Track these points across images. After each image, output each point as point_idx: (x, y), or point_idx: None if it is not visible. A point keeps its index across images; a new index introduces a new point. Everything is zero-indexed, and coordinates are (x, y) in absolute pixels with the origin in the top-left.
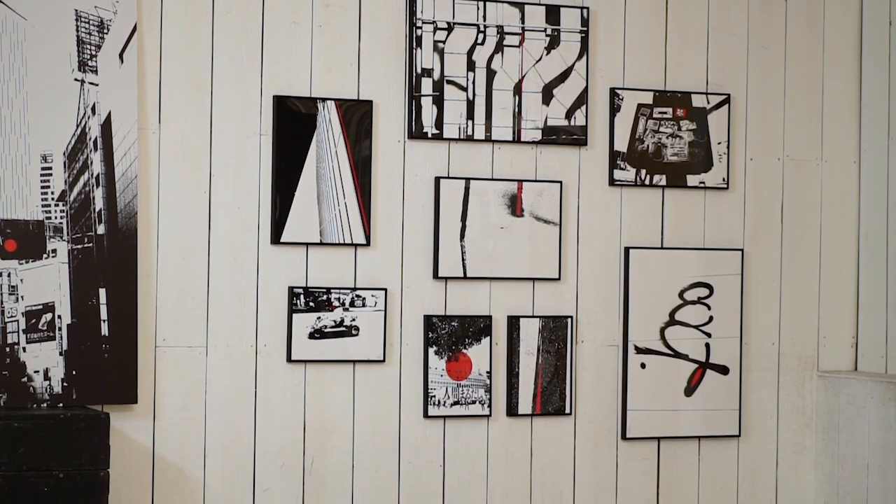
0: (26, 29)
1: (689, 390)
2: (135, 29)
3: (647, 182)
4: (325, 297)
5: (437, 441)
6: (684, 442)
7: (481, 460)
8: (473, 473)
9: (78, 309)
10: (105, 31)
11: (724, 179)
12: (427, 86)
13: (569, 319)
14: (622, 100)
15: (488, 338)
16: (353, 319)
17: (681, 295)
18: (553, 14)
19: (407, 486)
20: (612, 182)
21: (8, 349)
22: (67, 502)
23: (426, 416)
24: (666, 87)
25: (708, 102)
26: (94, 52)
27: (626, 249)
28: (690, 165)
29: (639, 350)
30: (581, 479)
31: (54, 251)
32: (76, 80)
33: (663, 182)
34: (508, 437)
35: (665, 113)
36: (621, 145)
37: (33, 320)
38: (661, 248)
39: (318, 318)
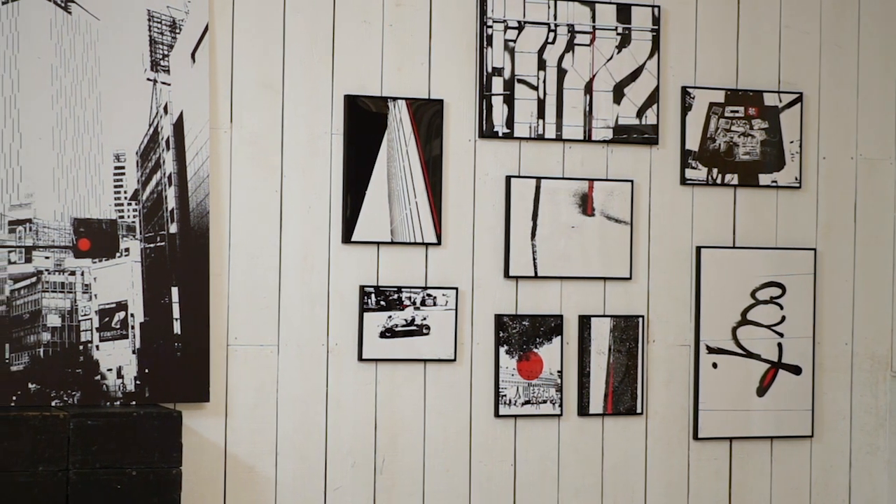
0: (99, 29)
1: (762, 390)
2: (207, 28)
3: (718, 181)
4: (396, 297)
5: (507, 440)
6: (756, 442)
7: (552, 460)
8: (544, 473)
9: (150, 307)
10: (177, 30)
11: (796, 178)
12: (498, 85)
13: (640, 319)
14: (693, 98)
15: (559, 337)
16: (424, 318)
17: (753, 294)
18: (624, 13)
19: (478, 485)
20: (684, 181)
21: (81, 347)
22: (140, 500)
23: (497, 415)
24: (737, 85)
25: (780, 101)
26: (166, 52)
27: (698, 249)
28: (762, 164)
29: (710, 350)
30: (652, 480)
31: (127, 250)
32: (149, 79)
33: (735, 181)
34: (579, 436)
35: (737, 112)
36: (693, 144)
37: (106, 319)
38: (733, 247)
39: (390, 317)
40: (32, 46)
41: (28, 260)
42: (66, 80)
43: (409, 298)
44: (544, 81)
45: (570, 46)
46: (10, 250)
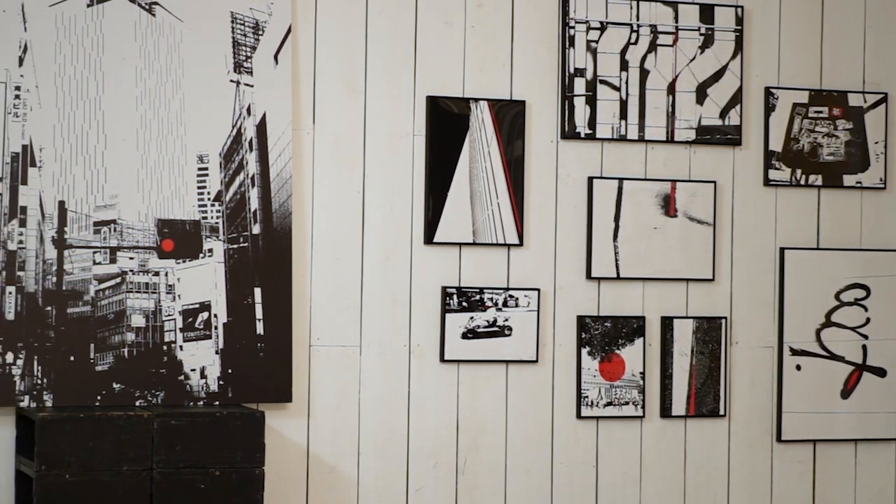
0: (183, 31)
1: (846, 392)
2: (289, 30)
3: (802, 182)
4: (478, 297)
5: (590, 442)
6: (840, 445)
7: (634, 461)
8: (626, 475)
9: (233, 308)
10: (260, 32)
11: (881, 179)
12: (580, 85)
13: (723, 320)
14: (777, 99)
15: (642, 338)
16: (506, 319)
17: (837, 296)
18: (707, 13)
19: (559, 486)
20: (767, 182)
21: (165, 347)
22: (223, 499)
23: (579, 416)
24: (821, 86)
25: (865, 101)
26: (249, 54)
27: (781, 250)
28: (847, 165)
29: (794, 352)
30: (735, 482)
31: (210, 251)
32: (232, 81)
33: (819, 182)
34: (662, 438)
35: (821, 112)
36: (776, 145)
37: (190, 319)
38: (817, 248)
39: (472, 317)
40: (117, 48)
41: (113, 260)
42: (151, 82)
43: (491, 299)
44: (627, 82)
45: (653, 47)
46: (94, 251)
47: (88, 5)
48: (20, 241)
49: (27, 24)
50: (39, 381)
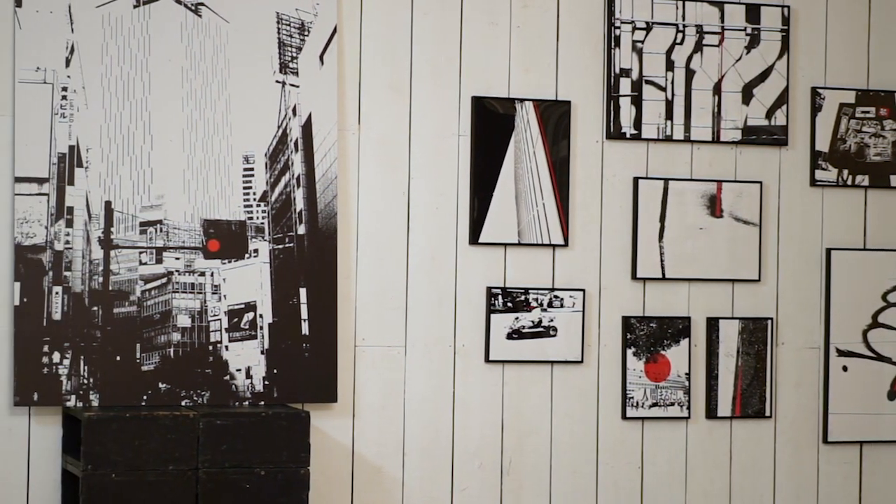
0: (229, 32)
1: (892, 394)
2: (335, 31)
3: (849, 182)
4: (523, 298)
5: (635, 442)
6: (887, 446)
7: (680, 462)
8: (672, 475)
9: (279, 308)
10: (305, 33)
11: None
12: (625, 86)
13: (769, 321)
14: (823, 99)
15: (687, 339)
16: (552, 320)
17: (884, 297)
18: (753, 13)
19: (605, 487)
20: (814, 182)
21: (211, 347)
22: (268, 499)
23: (624, 417)
24: (868, 85)
25: None
26: (294, 54)
27: (828, 251)
28: (894, 165)
29: (840, 352)
30: (781, 483)
31: (256, 251)
32: (277, 81)
33: (866, 182)
34: (707, 439)
35: (868, 112)
36: (823, 145)
37: (235, 319)
38: (864, 249)
39: (517, 318)
40: (163, 49)
41: (159, 261)
42: (196, 83)
43: (536, 300)
44: (672, 82)
45: (699, 47)
46: (141, 251)
47: (135, 6)
48: (67, 242)
49: (74, 25)
50: (86, 381)
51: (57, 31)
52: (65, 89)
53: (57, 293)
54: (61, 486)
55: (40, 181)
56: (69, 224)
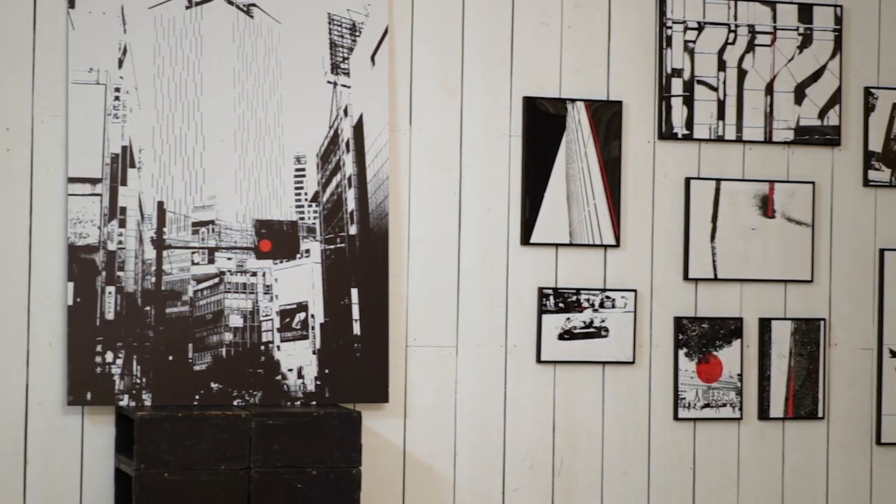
0: (280, 33)
1: None
2: (386, 31)
3: None
4: (574, 298)
5: (687, 443)
6: None
7: (732, 463)
8: (724, 476)
9: (330, 308)
10: (357, 33)
11: None
12: (677, 86)
13: (822, 322)
14: (876, 99)
15: (739, 340)
16: (603, 321)
17: None
18: (805, 12)
19: (656, 488)
20: (867, 183)
21: (263, 348)
22: (320, 499)
23: (676, 418)
24: None
25: None
26: (346, 55)
27: (881, 251)
28: None
29: (894, 353)
30: (834, 485)
31: (307, 251)
32: (329, 82)
33: None
34: (760, 440)
35: None
36: (876, 145)
37: (287, 319)
38: None
39: (568, 318)
40: (215, 50)
41: (211, 261)
42: (248, 84)
43: (588, 300)
44: (724, 82)
45: (751, 47)
46: (193, 251)
47: (187, 7)
48: (120, 242)
49: (127, 26)
50: (138, 381)
51: (110, 32)
52: (118, 90)
53: (110, 293)
54: (114, 485)
55: (93, 181)
56: (122, 224)
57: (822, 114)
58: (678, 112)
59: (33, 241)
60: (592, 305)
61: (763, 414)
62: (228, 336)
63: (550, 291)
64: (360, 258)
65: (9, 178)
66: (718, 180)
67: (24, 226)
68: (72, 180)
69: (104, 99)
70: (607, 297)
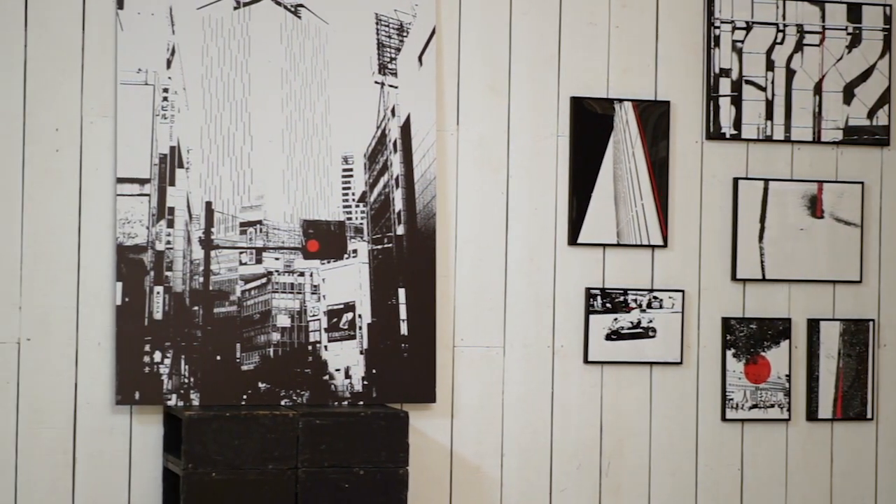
0: (328, 33)
1: None
2: (434, 31)
3: None
4: (622, 299)
5: (734, 444)
6: None
7: (780, 465)
8: (772, 478)
9: (378, 308)
10: (404, 34)
11: None
12: (725, 86)
13: (871, 322)
14: None
15: (787, 340)
16: (650, 321)
17: None
18: (854, 12)
19: (704, 489)
20: None
21: (310, 347)
22: (367, 499)
23: (724, 419)
24: None
25: None
26: (393, 55)
27: None
28: None
29: None
30: (883, 487)
31: (355, 251)
32: (376, 82)
33: None
34: (808, 441)
35: None
36: None
37: (334, 319)
38: None
39: (615, 319)
40: (263, 50)
41: (258, 261)
42: (296, 84)
43: (635, 301)
44: (772, 82)
45: (799, 47)
46: (241, 251)
47: (235, 8)
48: (168, 242)
49: (175, 27)
50: (186, 380)
51: (158, 32)
52: (166, 91)
53: (158, 293)
54: (162, 485)
55: (142, 182)
56: (170, 224)
57: (871, 114)
58: (726, 112)
59: (82, 241)
60: (640, 306)
61: (811, 415)
62: (276, 336)
63: (598, 292)
64: (407, 258)
65: (58, 178)
66: (767, 180)
67: (73, 226)
68: (120, 180)
69: (152, 99)
70: (655, 298)
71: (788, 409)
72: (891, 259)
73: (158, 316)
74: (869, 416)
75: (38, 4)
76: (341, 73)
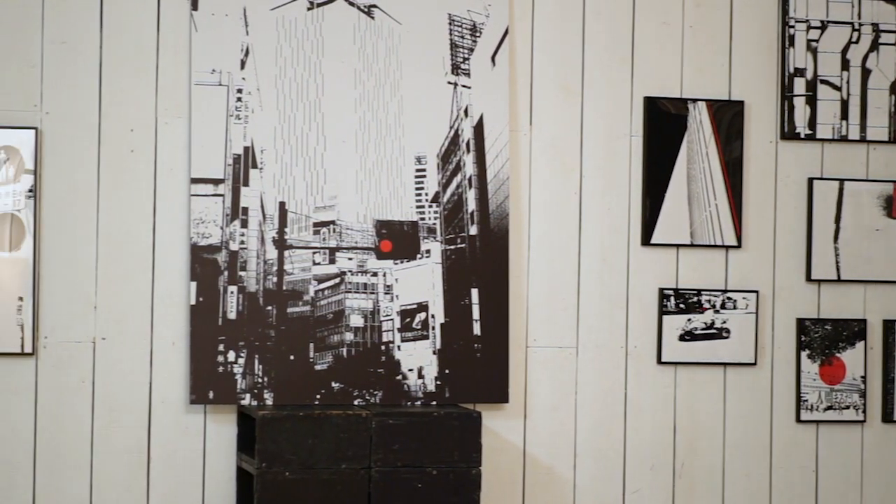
0: (401, 33)
1: None
2: (506, 32)
3: None
4: (695, 299)
5: (809, 446)
6: None
7: (855, 467)
8: (847, 480)
9: (451, 308)
10: (477, 34)
11: None
12: (800, 85)
13: None
14: None
15: (863, 342)
16: (724, 322)
17: None
18: None
19: (778, 491)
20: None
21: (383, 347)
22: (440, 499)
23: (798, 420)
24: None
25: None
26: (466, 56)
27: None
28: None
29: None
30: None
31: (428, 251)
32: (449, 83)
33: None
34: (884, 443)
35: None
36: None
37: (408, 319)
38: None
39: (689, 319)
40: (336, 51)
41: (332, 261)
42: (369, 84)
43: (709, 301)
44: (848, 82)
45: (875, 46)
46: (314, 251)
47: (308, 8)
48: (242, 242)
49: (249, 27)
50: (260, 380)
51: (232, 33)
52: (240, 91)
53: (232, 293)
54: (236, 484)
55: (216, 182)
56: (244, 224)
57: None
58: (801, 112)
59: (157, 241)
60: (714, 306)
61: (887, 416)
62: (349, 336)
63: (671, 292)
64: (480, 258)
65: (133, 178)
66: (842, 181)
67: (147, 226)
68: (194, 181)
69: (226, 100)
70: (729, 299)
71: (864, 411)
72: None
73: (232, 316)
74: None
75: (113, 6)
76: (414, 74)
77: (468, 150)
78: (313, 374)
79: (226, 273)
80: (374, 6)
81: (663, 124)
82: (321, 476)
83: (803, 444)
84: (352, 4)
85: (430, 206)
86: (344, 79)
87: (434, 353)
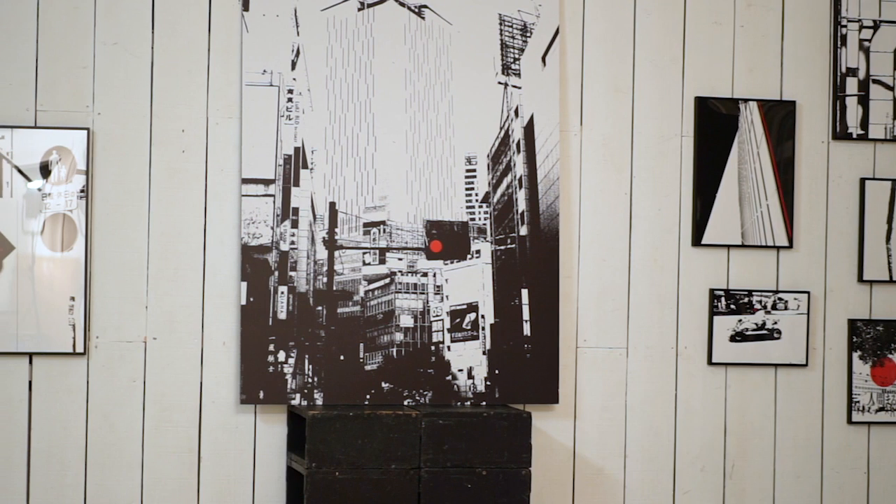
0: (451, 34)
1: None
2: (557, 32)
3: None
4: (746, 300)
5: (861, 447)
6: None
7: None
8: None
9: (500, 309)
10: (528, 34)
11: None
12: (852, 85)
13: None
14: None
15: None
16: (775, 322)
17: None
18: None
19: (829, 492)
20: None
21: (433, 348)
22: (490, 499)
23: (850, 421)
24: None
25: None
26: (516, 56)
27: None
28: None
29: None
30: None
31: (478, 252)
32: (499, 83)
33: None
34: None
35: None
36: None
37: (457, 320)
38: None
39: (740, 320)
40: (387, 51)
41: (382, 261)
42: (420, 85)
43: (760, 302)
44: None
45: None
46: (364, 252)
47: (359, 9)
48: (292, 242)
49: (300, 28)
50: (310, 380)
51: (283, 34)
52: (290, 92)
53: (282, 293)
54: (286, 483)
55: (266, 182)
56: (294, 225)
57: None
58: (853, 112)
59: (207, 241)
60: (765, 307)
61: None
62: (399, 336)
63: (722, 293)
64: (530, 259)
65: (184, 178)
66: (894, 181)
67: (198, 226)
68: (245, 181)
69: (277, 100)
70: (780, 299)
71: None
72: None
73: (283, 316)
74: None
75: (164, 7)
76: (465, 74)
77: (518, 151)
78: (363, 374)
79: (276, 273)
80: (425, 6)
81: (714, 124)
82: (371, 476)
83: (855, 446)
84: (402, 5)
85: (481, 207)
86: (394, 79)
87: (484, 353)
